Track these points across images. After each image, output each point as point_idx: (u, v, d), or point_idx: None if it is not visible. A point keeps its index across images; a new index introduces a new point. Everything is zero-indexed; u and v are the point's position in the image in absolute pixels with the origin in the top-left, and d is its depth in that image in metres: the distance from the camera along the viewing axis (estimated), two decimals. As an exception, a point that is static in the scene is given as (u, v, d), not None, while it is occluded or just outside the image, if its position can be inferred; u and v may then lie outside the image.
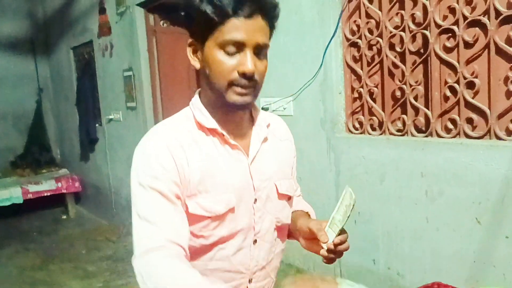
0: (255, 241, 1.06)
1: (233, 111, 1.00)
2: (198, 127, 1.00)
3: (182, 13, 0.97)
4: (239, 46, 0.91)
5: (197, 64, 0.99)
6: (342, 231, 0.98)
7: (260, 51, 0.94)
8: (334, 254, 0.99)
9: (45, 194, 5.29)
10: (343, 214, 0.97)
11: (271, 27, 0.97)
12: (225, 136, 1.00)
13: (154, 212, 0.92)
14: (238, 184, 1.00)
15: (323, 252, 0.98)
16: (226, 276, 1.05)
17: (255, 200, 1.03)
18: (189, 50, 1.00)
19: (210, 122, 0.99)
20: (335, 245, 0.97)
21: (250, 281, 1.10)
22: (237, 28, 0.90)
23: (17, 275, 3.79)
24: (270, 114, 1.18)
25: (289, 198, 1.13)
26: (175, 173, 0.94)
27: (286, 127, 1.20)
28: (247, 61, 0.91)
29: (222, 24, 0.90)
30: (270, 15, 0.95)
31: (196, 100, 1.03)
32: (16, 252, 4.37)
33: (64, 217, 5.53)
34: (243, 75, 0.92)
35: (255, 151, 1.04)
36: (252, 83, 0.94)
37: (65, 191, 5.44)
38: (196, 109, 1.01)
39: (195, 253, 0.98)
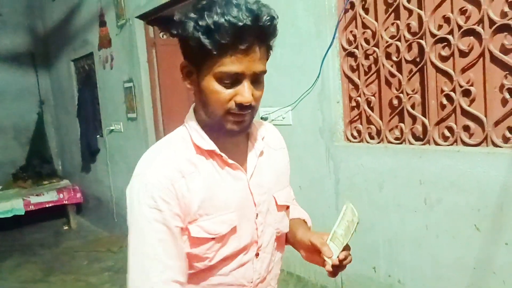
0: (257, 255, 1.06)
1: (234, 136, 0.98)
2: (196, 150, 0.98)
3: (179, 39, 0.93)
4: (237, 77, 0.89)
5: (189, 87, 0.97)
6: (345, 247, 1.00)
7: (257, 78, 0.92)
8: (338, 268, 1.00)
9: (47, 206, 5.32)
10: (345, 229, 1.00)
11: (269, 50, 0.95)
12: (224, 157, 0.98)
13: (158, 247, 0.90)
14: (239, 202, 0.99)
15: (328, 267, 1.00)
16: None
17: (257, 215, 1.03)
18: (182, 75, 0.98)
19: (208, 144, 0.97)
20: (340, 261, 0.99)
21: None
22: (235, 61, 0.87)
23: (18, 288, 3.79)
24: (263, 124, 1.16)
25: (287, 207, 1.15)
26: (176, 204, 0.92)
27: (279, 135, 1.19)
28: (245, 92, 0.89)
29: (220, 56, 0.86)
30: (268, 42, 0.93)
31: (191, 119, 1.00)
32: (17, 265, 4.38)
33: (66, 228, 5.54)
34: (240, 105, 0.90)
35: (252, 167, 1.03)
36: (250, 110, 0.92)
37: (66, 202, 5.47)
38: (193, 130, 0.99)
39: (200, 272, 0.99)
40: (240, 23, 0.83)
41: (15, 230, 5.41)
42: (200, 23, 0.85)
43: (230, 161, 0.99)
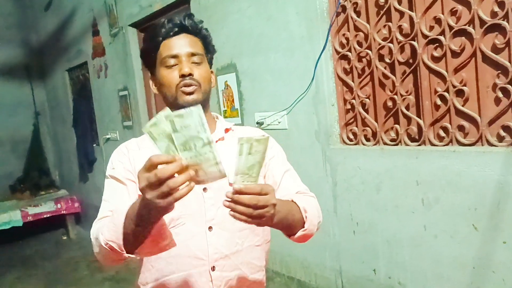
0: (210, 228, 1.16)
1: None
2: None
3: (142, 55, 1.28)
4: (176, 58, 1.18)
5: (155, 90, 1.25)
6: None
7: (195, 58, 1.18)
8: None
9: (45, 216, 5.29)
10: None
11: (203, 40, 1.23)
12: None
13: (108, 192, 1.19)
14: None
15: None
16: (187, 263, 1.16)
17: (204, 189, 1.17)
18: (151, 83, 1.27)
19: None
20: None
21: (213, 269, 1.17)
22: (169, 45, 1.18)
23: (19, 302, 3.77)
24: (243, 127, 1.40)
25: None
26: (128, 163, 1.20)
27: (259, 133, 1.31)
28: (183, 66, 1.16)
29: (159, 48, 1.19)
30: (195, 31, 1.21)
31: None
32: (18, 278, 4.36)
33: (65, 238, 5.51)
34: (182, 76, 1.15)
35: None
36: (194, 82, 1.16)
37: (65, 212, 5.45)
38: None
39: None
40: (169, 21, 1.20)
41: (14, 242, 5.38)
42: (151, 28, 1.23)
43: None
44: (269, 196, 0.89)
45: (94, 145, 5.00)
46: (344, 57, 2.27)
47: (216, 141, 1.24)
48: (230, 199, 0.87)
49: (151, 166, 0.82)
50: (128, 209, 0.97)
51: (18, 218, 5.06)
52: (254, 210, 0.87)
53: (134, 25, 3.80)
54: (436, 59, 1.90)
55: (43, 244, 5.39)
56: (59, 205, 5.39)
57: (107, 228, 1.02)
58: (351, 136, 2.30)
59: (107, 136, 4.58)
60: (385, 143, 2.14)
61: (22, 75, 6.14)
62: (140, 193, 1.08)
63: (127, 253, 1.00)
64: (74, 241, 5.39)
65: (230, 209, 0.88)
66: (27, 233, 5.41)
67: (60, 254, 4.97)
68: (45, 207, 5.31)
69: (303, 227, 1.11)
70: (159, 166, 0.81)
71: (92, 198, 5.28)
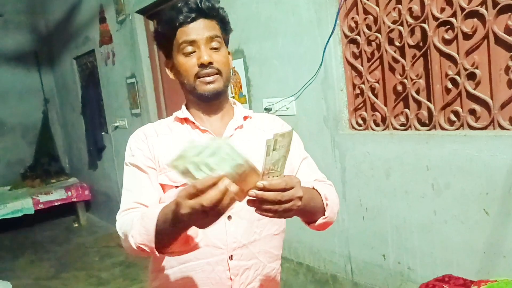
0: (229, 217, 1.15)
1: (209, 104, 1.18)
2: (175, 119, 1.24)
3: (157, 39, 1.23)
4: (193, 45, 1.13)
5: (172, 76, 1.23)
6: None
7: (214, 43, 1.14)
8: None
9: (56, 204, 5.36)
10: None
11: (221, 22, 1.18)
12: (196, 124, 1.19)
13: (130, 181, 1.18)
14: None
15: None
16: (205, 251, 1.14)
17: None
18: (167, 69, 1.24)
19: (184, 113, 1.22)
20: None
21: (231, 258, 1.16)
22: (187, 32, 1.13)
23: (32, 286, 3.85)
24: (260, 114, 1.34)
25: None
26: (148, 151, 1.17)
27: (279, 123, 1.31)
28: (202, 54, 1.12)
29: (175, 34, 1.14)
30: (211, 14, 1.15)
31: (183, 105, 1.26)
32: (30, 263, 4.43)
33: (76, 225, 5.59)
34: (202, 65, 1.12)
35: (227, 135, 1.19)
36: (214, 71, 1.13)
37: (75, 199, 5.51)
38: (179, 111, 1.25)
39: None
40: (185, 4, 1.14)
41: (26, 228, 5.47)
42: (167, 12, 1.17)
43: (202, 127, 1.19)
44: (294, 190, 0.86)
45: (103, 132, 5.02)
46: (353, 41, 2.24)
47: (235, 129, 1.21)
48: (254, 197, 0.83)
49: (195, 191, 0.78)
50: (159, 212, 0.95)
51: (30, 206, 5.14)
52: (280, 205, 0.85)
53: (141, 11, 3.77)
54: (447, 42, 1.87)
55: (54, 230, 5.47)
56: (69, 193, 5.46)
57: (138, 232, 1.00)
58: (360, 121, 2.28)
59: (116, 124, 4.60)
60: (394, 128, 2.11)
61: (30, 62, 6.17)
62: (161, 182, 1.16)
63: (159, 253, 1.00)
64: (85, 228, 5.46)
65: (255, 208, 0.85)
66: (38, 219, 5.49)
67: (71, 240, 5.04)
68: (56, 195, 5.38)
69: (324, 215, 1.09)
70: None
71: (101, 185, 5.33)
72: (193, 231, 0.97)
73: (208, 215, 0.79)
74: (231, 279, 1.17)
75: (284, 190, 0.84)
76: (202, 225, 0.84)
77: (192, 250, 1.03)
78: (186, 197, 0.79)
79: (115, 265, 4.05)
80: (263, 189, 0.82)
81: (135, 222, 1.02)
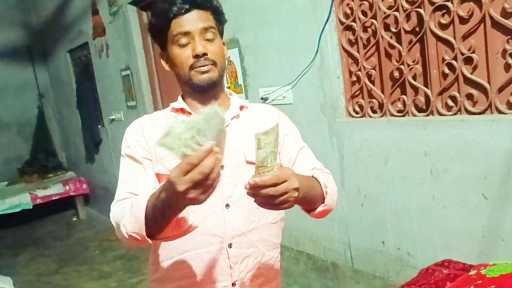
0: (227, 205, 1.16)
1: (204, 94, 1.18)
2: (171, 110, 1.25)
3: (151, 31, 1.23)
4: (188, 36, 1.13)
5: (167, 67, 1.23)
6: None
7: (208, 35, 1.14)
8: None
9: (54, 198, 5.36)
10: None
11: (215, 12, 1.18)
12: (192, 114, 1.20)
13: (125, 172, 1.19)
14: None
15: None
16: (204, 240, 1.16)
17: (222, 166, 1.13)
18: (162, 60, 1.24)
19: (181, 104, 1.23)
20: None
21: (230, 246, 1.18)
22: (181, 23, 1.13)
23: (34, 282, 3.85)
24: (257, 104, 1.36)
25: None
26: (144, 142, 1.18)
27: (275, 113, 1.32)
28: (197, 45, 1.13)
29: (169, 26, 1.14)
30: (205, 5, 1.16)
31: (179, 96, 1.27)
32: (31, 259, 4.44)
33: (75, 219, 5.59)
34: (197, 56, 1.13)
35: None
36: (209, 61, 1.14)
37: (73, 193, 5.50)
38: (175, 102, 1.26)
39: None
40: None
41: (26, 224, 5.47)
42: (160, 4, 1.16)
43: None
44: (288, 183, 0.88)
45: (99, 126, 5.00)
46: (348, 28, 2.22)
47: (231, 119, 1.23)
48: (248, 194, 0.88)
49: (189, 167, 0.78)
50: (148, 200, 0.96)
51: (28, 201, 5.13)
52: (275, 199, 0.87)
53: (134, 2, 3.73)
54: (443, 26, 1.85)
55: (54, 225, 5.47)
56: (67, 187, 5.45)
57: (128, 221, 1.00)
58: (357, 109, 2.27)
59: (112, 117, 4.58)
60: (392, 115, 2.11)
61: (24, 57, 6.11)
62: (158, 172, 1.17)
63: (151, 240, 1.01)
64: (84, 222, 5.47)
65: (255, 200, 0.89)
66: (38, 215, 5.49)
67: (71, 235, 5.05)
68: (54, 189, 5.37)
69: (323, 203, 1.10)
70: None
71: (99, 179, 5.32)
72: (184, 213, 0.98)
73: (208, 187, 0.81)
74: (230, 267, 1.19)
75: (275, 185, 0.86)
76: (199, 200, 0.83)
77: (186, 233, 1.03)
78: (181, 174, 0.79)
79: (116, 259, 4.06)
80: (255, 186, 0.85)
81: (126, 211, 1.03)
